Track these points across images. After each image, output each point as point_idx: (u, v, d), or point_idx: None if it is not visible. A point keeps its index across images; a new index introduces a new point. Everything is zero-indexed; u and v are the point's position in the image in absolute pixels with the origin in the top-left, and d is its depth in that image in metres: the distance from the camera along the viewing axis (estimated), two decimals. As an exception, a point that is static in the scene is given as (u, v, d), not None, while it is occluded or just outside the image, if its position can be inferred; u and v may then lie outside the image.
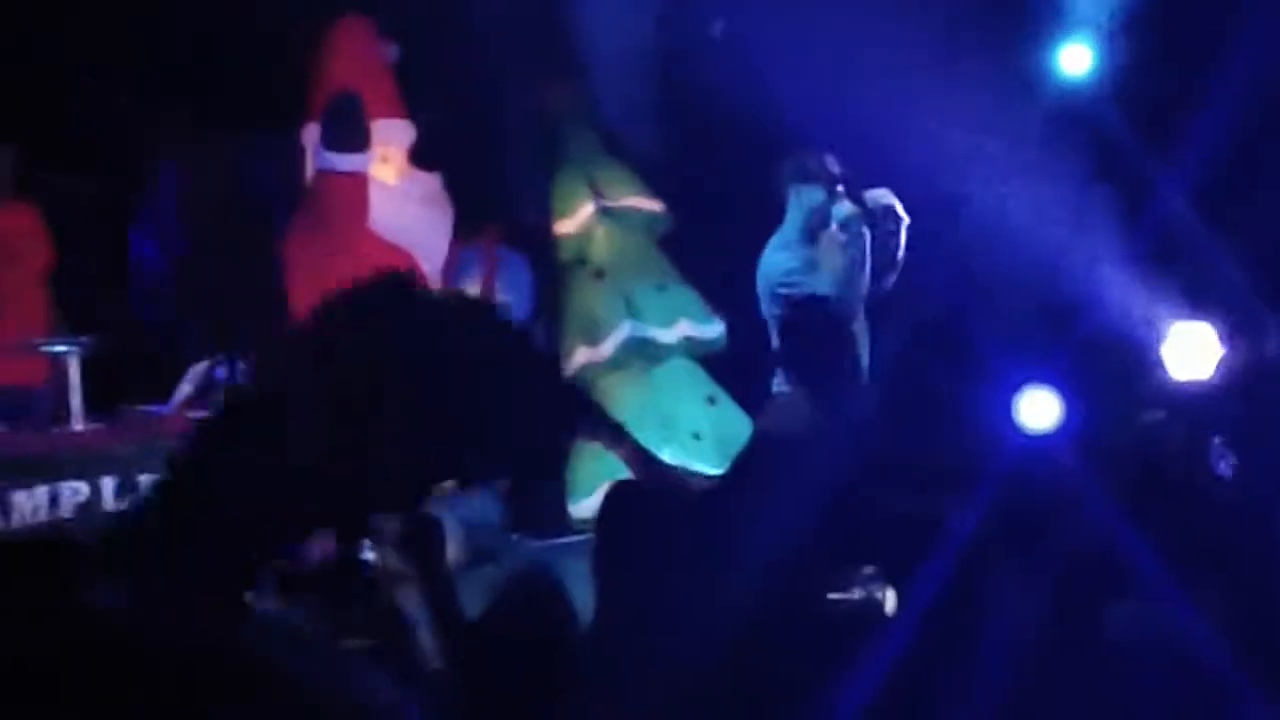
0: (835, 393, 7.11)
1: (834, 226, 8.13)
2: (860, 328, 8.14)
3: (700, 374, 10.14)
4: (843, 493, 5.26)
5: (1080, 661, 4.46)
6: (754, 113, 8.74)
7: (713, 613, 4.40)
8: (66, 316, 8.51)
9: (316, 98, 9.32)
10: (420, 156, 9.60)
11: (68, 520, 7.49)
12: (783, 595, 4.53)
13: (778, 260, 8.09)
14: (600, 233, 10.23)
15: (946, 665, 4.40)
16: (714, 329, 10.29)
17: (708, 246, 10.09)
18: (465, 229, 9.68)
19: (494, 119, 9.66)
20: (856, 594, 5.70)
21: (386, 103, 9.48)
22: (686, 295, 10.30)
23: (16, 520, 7.46)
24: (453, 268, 9.62)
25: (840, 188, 8.16)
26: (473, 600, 4.40)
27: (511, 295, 9.61)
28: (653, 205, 10.32)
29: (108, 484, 7.76)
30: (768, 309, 8.01)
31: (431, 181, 9.52)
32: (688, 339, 10.23)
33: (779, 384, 7.15)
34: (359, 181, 9.28)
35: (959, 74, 8.52)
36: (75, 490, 7.71)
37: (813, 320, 7.53)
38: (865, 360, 7.99)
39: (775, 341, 7.84)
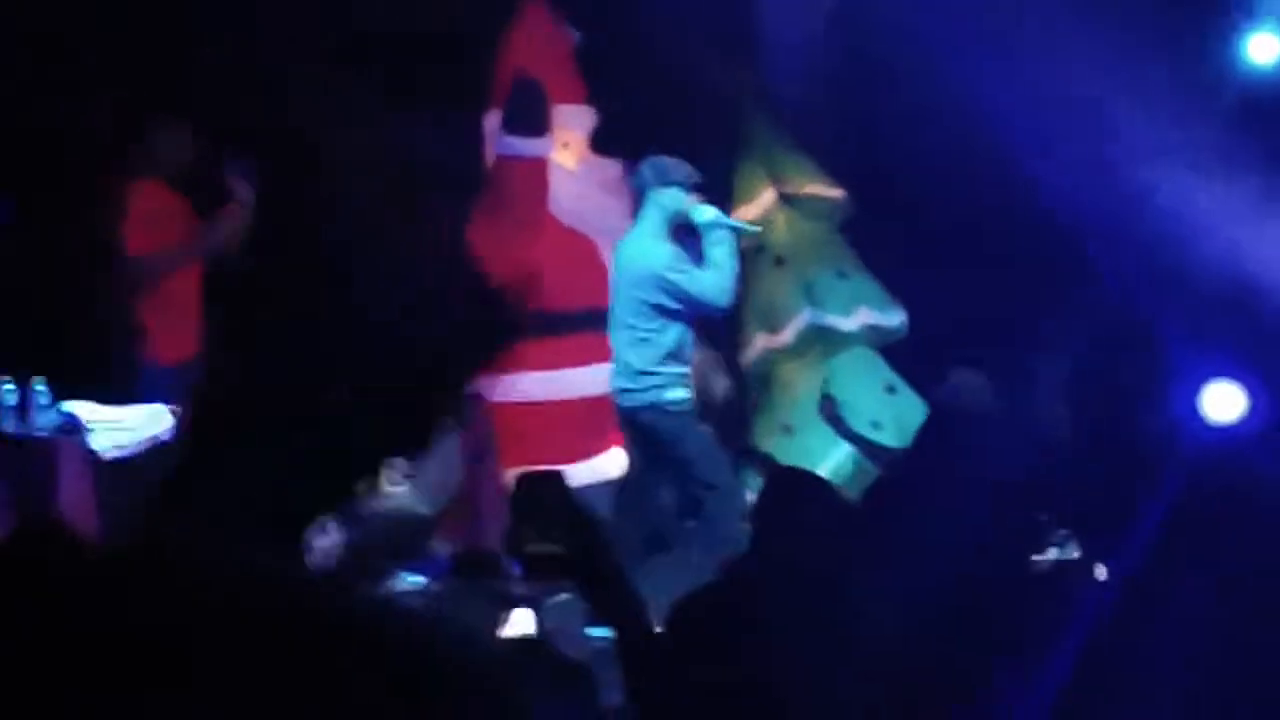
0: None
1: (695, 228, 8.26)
2: None
3: (880, 362, 10.05)
4: (1020, 473, 5.20)
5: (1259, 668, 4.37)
6: (934, 101, 8.66)
7: (902, 597, 4.37)
8: None
9: (498, 84, 9.40)
10: (601, 143, 9.64)
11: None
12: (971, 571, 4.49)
13: (658, 250, 8.14)
14: (780, 219, 10.17)
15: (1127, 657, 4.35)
16: (895, 317, 10.18)
17: (890, 235, 10.00)
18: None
19: (676, 106, 9.65)
20: (1051, 555, 5.65)
21: (568, 88, 9.52)
22: (867, 283, 10.20)
23: None
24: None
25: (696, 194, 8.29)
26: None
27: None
28: (833, 193, 10.23)
29: None
30: (647, 295, 8.06)
31: (612, 168, 9.54)
32: (868, 327, 10.14)
33: None
34: (539, 167, 9.34)
35: (1144, 66, 8.37)
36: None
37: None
38: None
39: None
